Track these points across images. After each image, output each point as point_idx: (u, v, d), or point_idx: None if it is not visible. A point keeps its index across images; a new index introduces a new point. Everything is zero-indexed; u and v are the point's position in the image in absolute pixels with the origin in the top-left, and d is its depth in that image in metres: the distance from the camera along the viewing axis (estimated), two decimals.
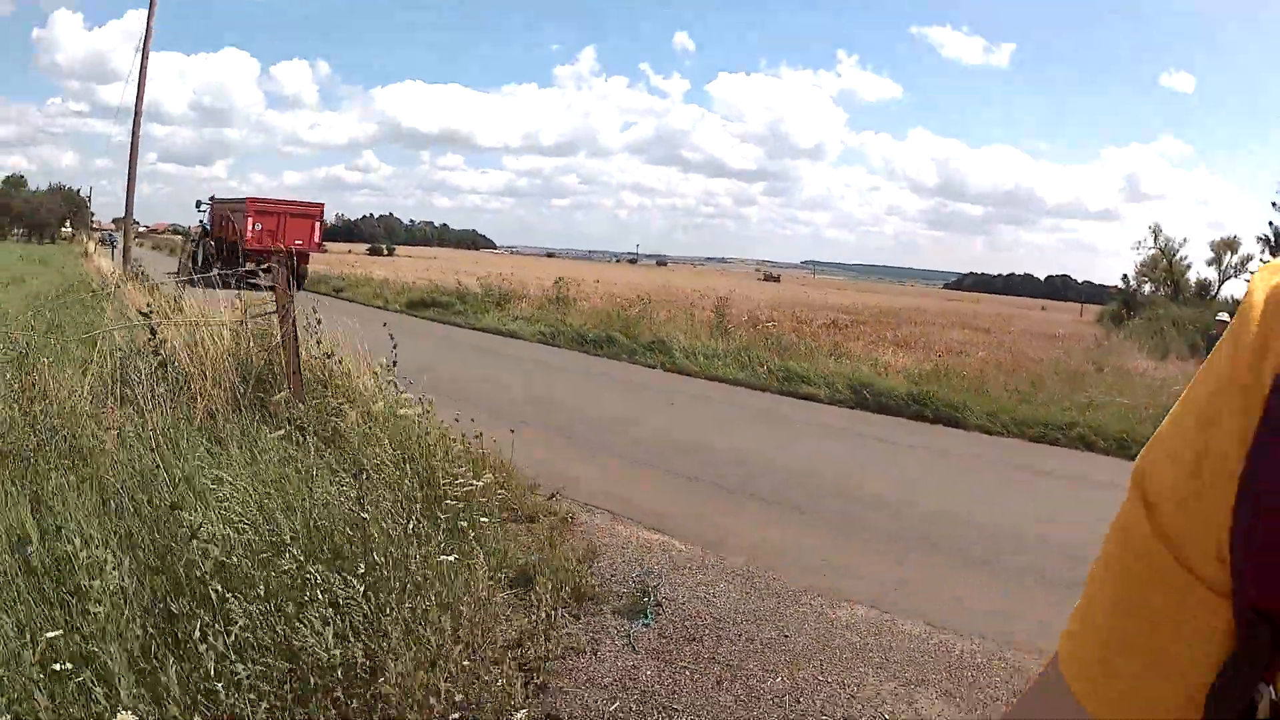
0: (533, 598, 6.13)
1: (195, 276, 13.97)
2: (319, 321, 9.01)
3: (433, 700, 4.67)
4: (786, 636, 6.29)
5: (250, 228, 36.44)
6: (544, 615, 5.95)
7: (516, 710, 4.83)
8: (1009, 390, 17.09)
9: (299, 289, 13.59)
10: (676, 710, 5.26)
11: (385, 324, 8.87)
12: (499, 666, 5.14)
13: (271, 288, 8.73)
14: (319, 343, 9.01)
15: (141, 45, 28.64)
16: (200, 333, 8.96)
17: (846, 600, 6.97)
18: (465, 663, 5.05)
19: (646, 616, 6.41)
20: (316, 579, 4.80)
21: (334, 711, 4.41)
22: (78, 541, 4.43)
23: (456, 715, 4.71)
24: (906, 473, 11.80)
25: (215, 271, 11.21)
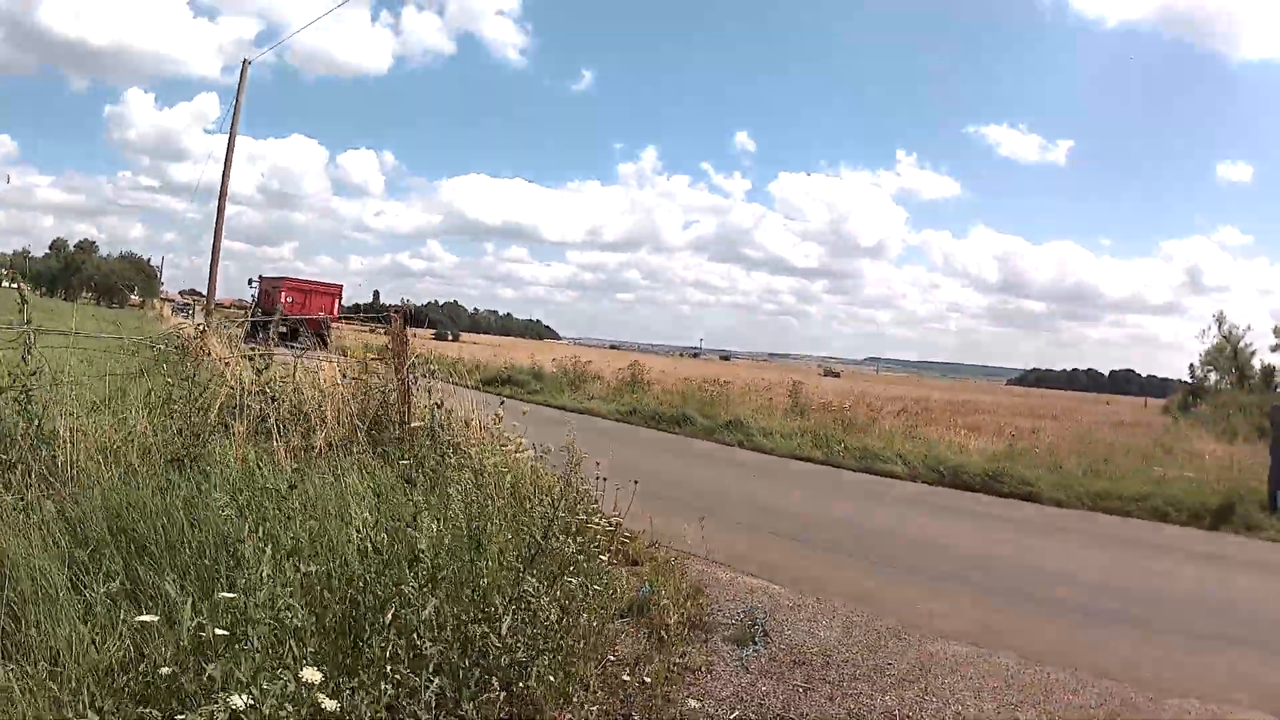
0: (645, 624, 6.47)
1: (255, 340, 15.23)
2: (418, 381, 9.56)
3: (564, 701, 5.04)
4: (889, 664, 6.59)
5: (284, 300, 45.27)
6: (659, 637, 6.30)
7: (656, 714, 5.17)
8: (1081, 466, 17.17)
9: (325, 348, 14.89)
10: (792, 718, 5.58)
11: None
12: (628, 675, 5.48)
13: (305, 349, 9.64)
14: (429, 393, 9.51)
15: (229, 128, 30.18)
16: (315, 377, 9.55)
17: (942, 637, 7.24)
18: (595, 669, 5.43)
19: (756, 643, 6.73)
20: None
21: (484, 700, 4.80)
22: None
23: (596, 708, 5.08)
24: (989, 536, 12.03)
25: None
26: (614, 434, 20.69)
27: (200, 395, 8.75)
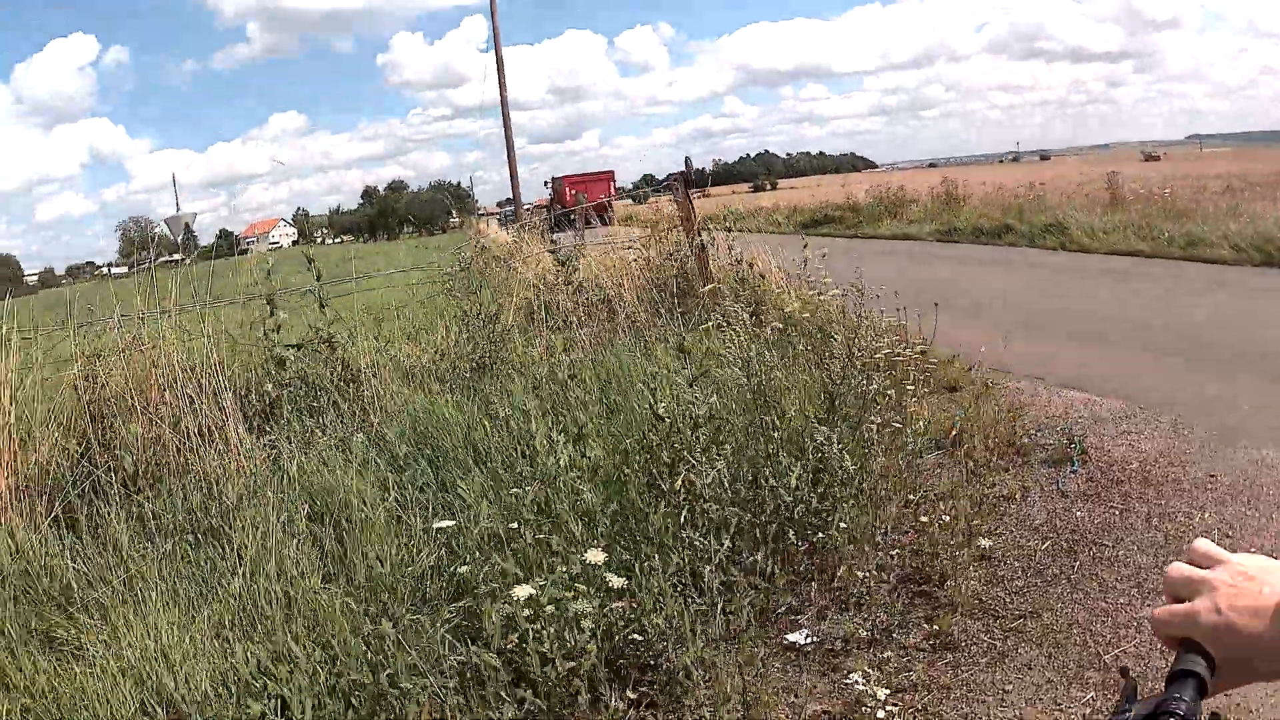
0: (960, 454, 6.54)
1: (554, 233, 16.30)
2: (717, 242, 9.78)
3: (867, 548, 5.20)
4: (1213, 477, 6.32)
5: (569, 194, 52.61)
6: (971, 468, 6.37)
7: (958, 551, 5.29)
8: None
9: (605, 225, 15.72)
10: (1106, 545, 5.48)
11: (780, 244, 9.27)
12: (935, 511, 5.60)
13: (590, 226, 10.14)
14: (732, 249, 9.73)
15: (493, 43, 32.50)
16: (610, 259, 9.92)
17: (1276, 444, 6.80)
18: (903, 510, 5.57)
19: (1073, 464, 6.61)
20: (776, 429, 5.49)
21: (782, 556, 5.06)
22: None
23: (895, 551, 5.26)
24: None
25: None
26: (930, 255, 20.41)
27: (493, 302, 9.28)
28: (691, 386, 5.60)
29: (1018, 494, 6.23)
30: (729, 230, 10.11)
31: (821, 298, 8.32)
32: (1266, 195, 20.88)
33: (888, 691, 4.12)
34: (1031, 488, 6.35)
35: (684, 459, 5.01)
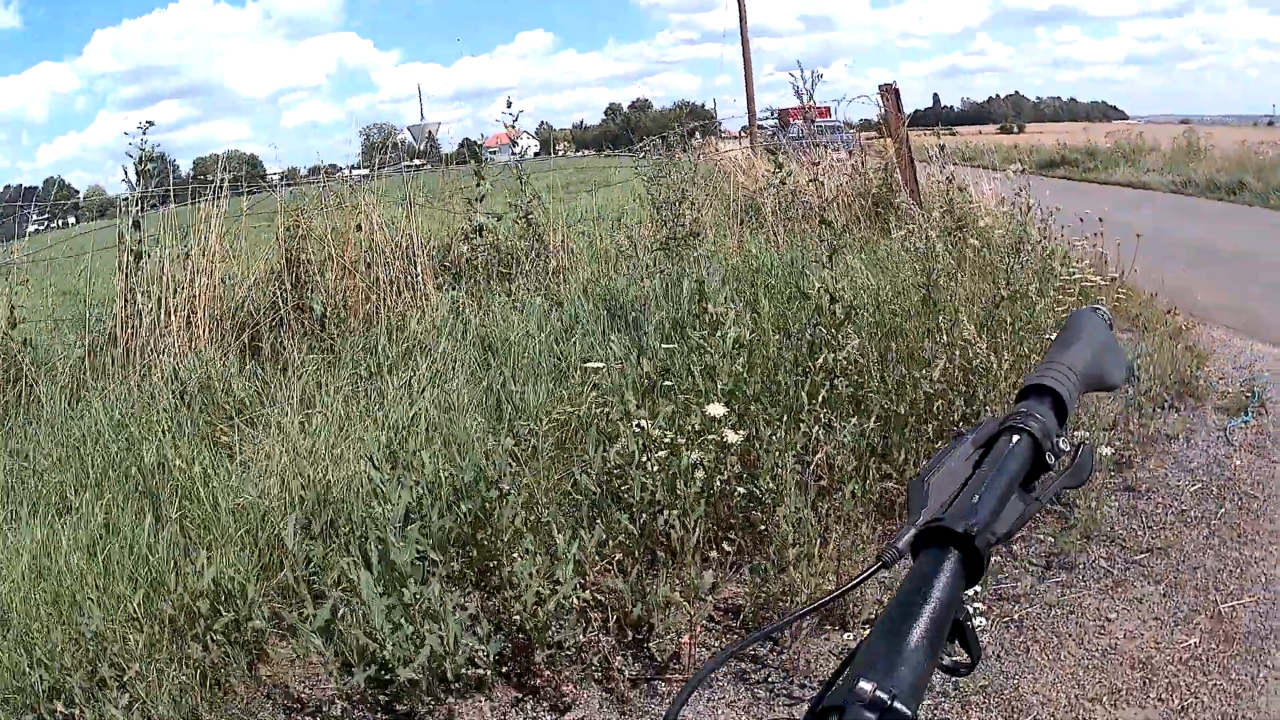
0: (1135, 388, 6.39)
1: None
2: (942, 167, 9.68)
3: None
4: None
5: (791, 120, 49.55)
6: (1141, 403, 6.23)
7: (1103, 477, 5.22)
8: None
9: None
10: (1256, 498, 5.31)
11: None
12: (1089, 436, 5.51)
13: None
14: (944, 169, 9.67)
15: None
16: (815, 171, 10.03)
17: None
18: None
19: (1247, 414, 6.40)
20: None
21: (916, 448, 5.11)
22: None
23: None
24: None
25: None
26: (1157, 204, 19.63)
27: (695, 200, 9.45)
28: (831, 259, 5.73)
29: (1182, 434, 6.08)
30: (948, 158, 10.01)
31: (1021, 221, 8.17)
32: None
33: (978, 587, 4.12)
34: (1198, 430, 6.18)
35: (823, 338, 5.16)
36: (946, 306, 5.96)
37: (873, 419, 4.89)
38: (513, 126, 9.17)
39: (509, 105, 8.91)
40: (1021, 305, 5.92)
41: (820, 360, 5.04)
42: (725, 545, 4.29)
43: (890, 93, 9.76)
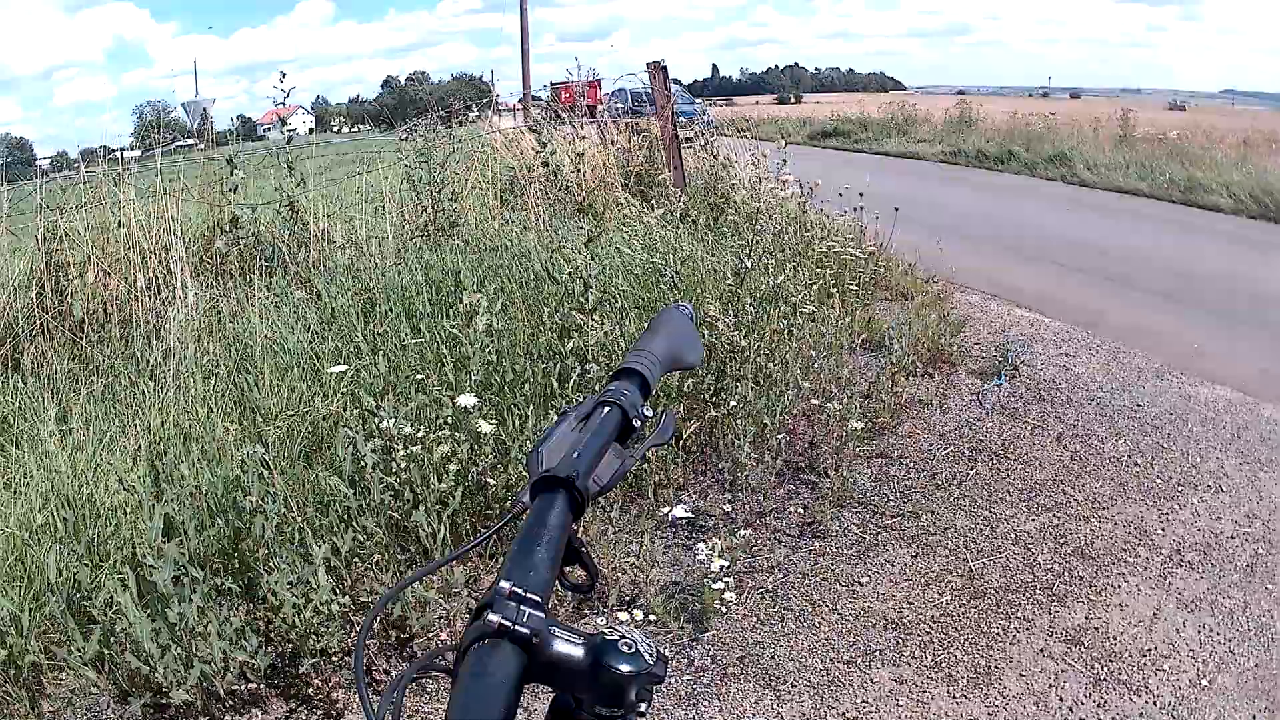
0: (892, 357, 6.47)
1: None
2: (705, 144, 9.71)
3: (755, 430, 5.17)
4: (1139, 406, 6.32)
5: (563, 96, 49.91)
6: (894, 372, 6.31)
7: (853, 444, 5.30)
8: None
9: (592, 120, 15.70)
10: (1008, 459, 5.51)
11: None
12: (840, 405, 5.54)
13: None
14: (707, 147, 9.70)
15: None
16: (582, 146, 9.95)
17: (1211, 381, 6.83)
18: (814, 402, 5.53)
19: (1000, 378, 6.61)
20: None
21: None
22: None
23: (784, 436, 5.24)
24: None
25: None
26: (925, 173, 20.28)
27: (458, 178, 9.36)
28: (587, 246, 5.66)
29: (935, 400, 6.25)
30: (716, 130, 10.04)
31: (781, 195, 8.26)
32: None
33: (726, 563, 4.14)
34: (952, 396, 6.37)
35: (574, 322, 5.17)
36: (692, 284, 6.00)
37: None
38: (284, 104, 8.86)
39: (282, 79, 8.51)
40: (766, 278, 6.02)
41: (570, 345, 5.06)
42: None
43: (658, 70, 9.72)
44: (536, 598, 0.96)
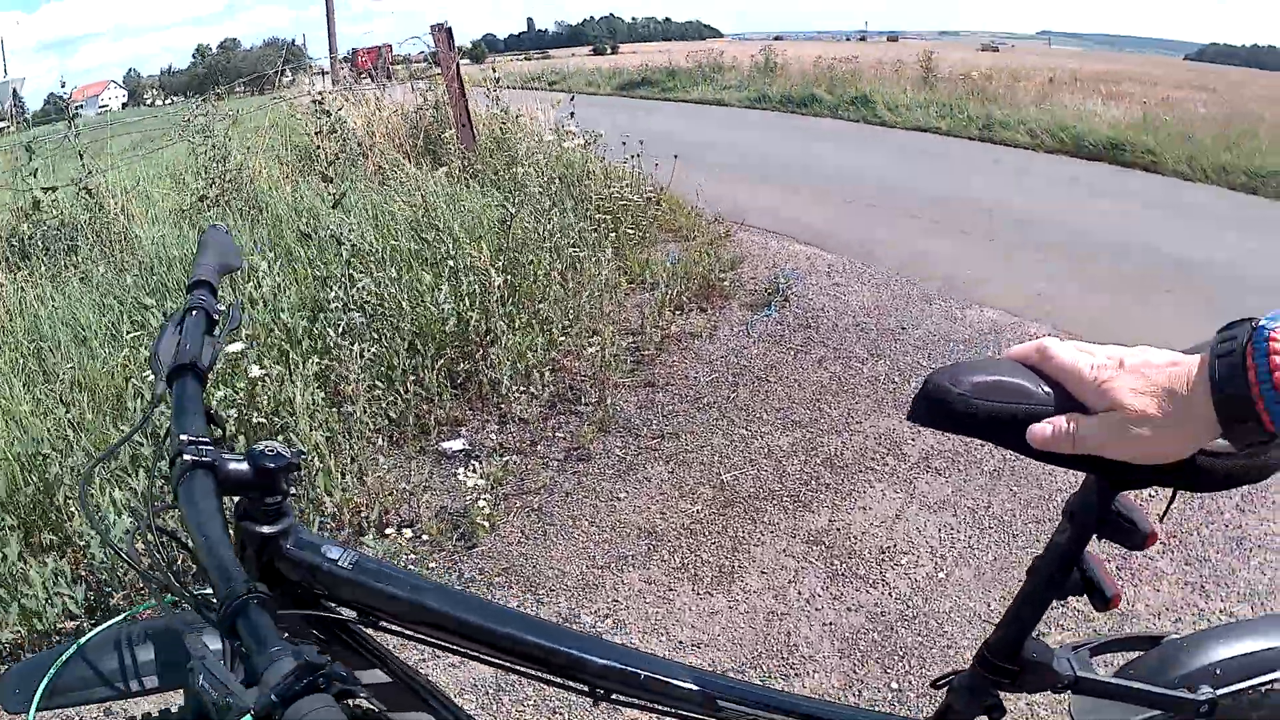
0: (667, 294, 6.74)
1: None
2: (497, 99, 9.83)
3: (522, 368, 5.56)
4: (904, 329, 6.66)
5: (359, 59, 49.58)
6: (669, 307, 6.60)
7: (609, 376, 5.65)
8: (1216, 139, 15.95)
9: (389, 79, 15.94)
10: (770, 382, 5.88)
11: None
12: (605, 341, 5.83)
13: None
14: (498, 102, 9.84)
15: None
16: (372, 109, 10.07)
17: (980, 304, 7.15)
18: (575, 340, 5.83)
19: (770, 308, 6.98)
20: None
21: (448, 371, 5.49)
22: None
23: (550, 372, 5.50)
24: (1085, 206, 11.07)
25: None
26: (729, 119, 20.69)
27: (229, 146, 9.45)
28: (334, 210, 6.03)
29: (705, 332, 6.58)
30: (498, 83, 10.12)
31: (565, 146, 8.48)
32: (1081, 90, 21.32)
33: (484, 482, 4.44)
34: (722, 328, 6.69)
35: (333, 275, 5.58)
36: (459, 234, 6.42)
37: (405, 345, 5.36)
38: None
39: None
40: (536, 224, 6.44)
41: (332, 295, 5.41)
42: None
43: (442, 32, 9.83)
44: (206, 438, 1.28)
